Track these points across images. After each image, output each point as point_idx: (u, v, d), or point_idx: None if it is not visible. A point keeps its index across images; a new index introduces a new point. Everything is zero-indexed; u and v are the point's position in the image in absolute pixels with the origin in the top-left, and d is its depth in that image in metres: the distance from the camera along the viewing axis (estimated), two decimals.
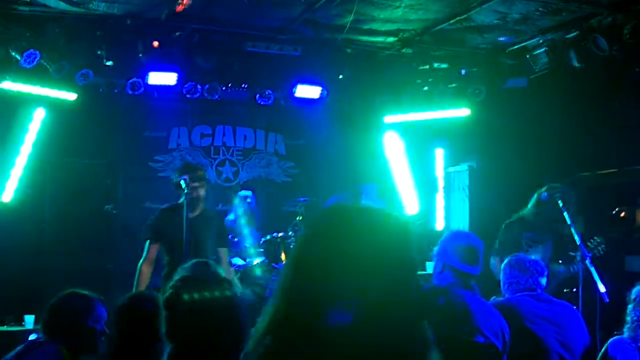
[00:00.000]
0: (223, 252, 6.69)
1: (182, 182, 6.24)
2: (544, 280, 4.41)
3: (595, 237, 6.33)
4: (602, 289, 5.43)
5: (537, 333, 4.12)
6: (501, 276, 4.53)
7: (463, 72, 9.27)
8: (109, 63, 8.30)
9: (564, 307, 4.39)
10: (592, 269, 5.57)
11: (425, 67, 9.29)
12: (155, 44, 8.04)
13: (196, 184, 6.33)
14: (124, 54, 8.22)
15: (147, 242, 6.42)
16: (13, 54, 7.73)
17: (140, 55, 8.21)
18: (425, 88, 9.56)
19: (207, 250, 6.29)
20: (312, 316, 1.55)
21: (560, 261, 6.35)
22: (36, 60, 7.76)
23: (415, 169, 10.43)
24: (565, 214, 5.94)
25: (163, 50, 8.27)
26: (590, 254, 5.79)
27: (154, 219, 6.58)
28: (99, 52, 8.13)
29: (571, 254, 6.11)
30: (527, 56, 8.52)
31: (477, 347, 3.60)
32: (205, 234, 6.40)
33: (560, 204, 6.00)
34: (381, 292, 1.55)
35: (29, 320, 7.54)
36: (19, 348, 3.71)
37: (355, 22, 7.61)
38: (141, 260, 6.42)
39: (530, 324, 4.14)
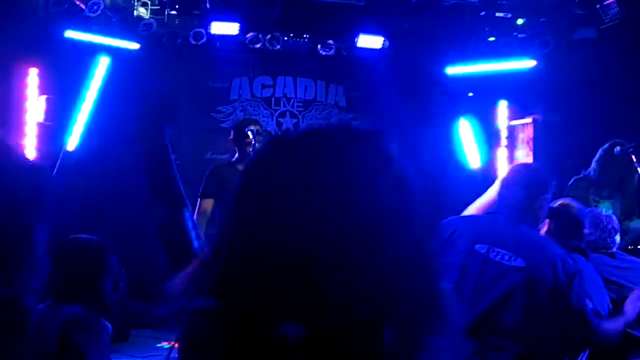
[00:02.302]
0: None
1: (249, 132, 6.04)
2: (618, 238, 4.30)
3: None
4: None
5: (612, 295, 4.03)
6: None
7: (521, 21, 9.03)
8: (172, 12, 8.30)
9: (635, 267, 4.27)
10: None
11: (490, 17, 9.06)
12: None
13: (260, 138, 6.20)
14: (187, 3, 8.20)
15: (200, 198, 6.17)
16: (77, 3, 7.79)
17: (204, 5, 8.19)
18: (491, 39, 9.35)
19: None
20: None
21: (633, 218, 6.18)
22: (100, 9, 7.82)
23: (478, 121, 10.24)
24: (638, 168, 5.77)
25: (226, 0, 8.24)
26: None
27: (208, 173, 6.41)
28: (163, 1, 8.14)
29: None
30: (597, 6, 8.24)
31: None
32: None
33: (634, 158, 5.83)
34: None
35: None
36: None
37: None
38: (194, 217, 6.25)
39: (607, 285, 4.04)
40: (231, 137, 6.25)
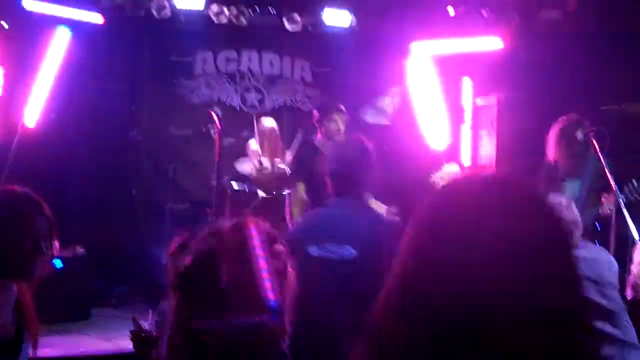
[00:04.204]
0: None
1: (213, 112, 5.94)
2: (578, 234, 4.28)
3: (633, 181, 6.17)
4: (636, 236, 5.32)
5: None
6: None
7: None
8: None
9: (599, 256, 4.28)
10: (627, 214, 5.45)
11: None
12: None
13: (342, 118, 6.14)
14: None
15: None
16: None
17: None
18: (452, 13, 9.30)
19: None
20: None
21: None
22: None
23: (441, 100, 10.21)
24: (599, 154, 5.80)
25: None
26: (625, 199, 5.65)
27: (298, 156, 6.35)
28: None
29: (603, 194, 5.98)
30: None
31: None
32: None
33: (595, 144, 5.85)
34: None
35: (55, 246, 7.58)
36: None
37: None
38: None
39: None
40: (316, 118, 6.18)
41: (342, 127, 6.07)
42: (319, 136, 6.15)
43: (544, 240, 1.18)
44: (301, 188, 6.44)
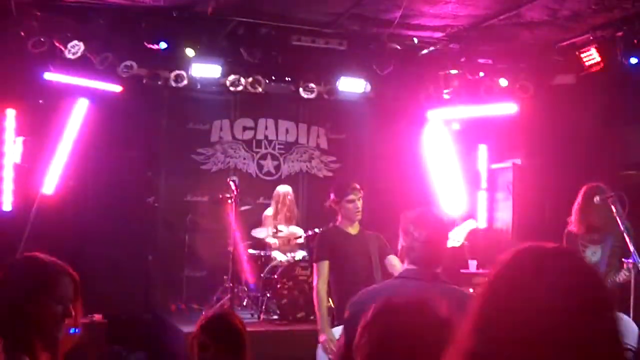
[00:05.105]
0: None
1: (231, 182, 5.99)
2: None
3: None
4: None
5: None
6: None
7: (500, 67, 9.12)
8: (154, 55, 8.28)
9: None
10: None
11: (471, 63, 9.11)
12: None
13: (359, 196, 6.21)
14: (168, 45, 8.17)
15: (315, 262, 6.11)
16: (57, 44, 7.74)
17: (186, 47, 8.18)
18: (471, 83, 9.38)
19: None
20: None
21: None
22: (80, 51, 7.77)
23: (459, 165, 10.24)
24: (618, 218, 5.76)
25: (208, 42, 8.23)
26: None
27: (319, 237, 6.29)
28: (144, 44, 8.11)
29: (623, 260, 5.91)
30: (577, 53, 8.32)
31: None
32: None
33: (614, 209, 5.82)
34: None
35: None
36: None
37: (404, 17, 7.51)
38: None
39: None
40: (332, 198, 6.23)
41: (359, 205, 6.12)
42: (339, 218, 6.18)
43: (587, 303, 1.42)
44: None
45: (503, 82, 9.18)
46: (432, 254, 3.47)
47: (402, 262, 3.62)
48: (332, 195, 6.16)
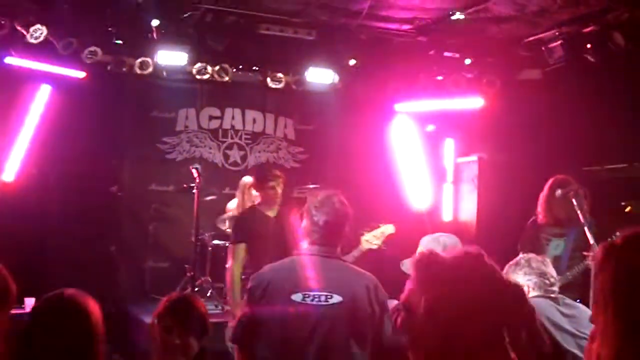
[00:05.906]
0: None
1: (194, 170, 6.13)
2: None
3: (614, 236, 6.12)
4: None
5: (559, 341, 3.97)
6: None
7: (468, 61, 9.13)
8: (118, 41, 8.16)
9: (576, 312, 4.21)
10: None
11: (438, 56, 9.12)
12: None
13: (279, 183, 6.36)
14: (133, 32, 8.06)
15: (233, 244, 6.33)
16: (19, 28, 7.59)
17: (150, 34, 8.06)
18: (439, 77, 9.41)
19: None
20: None
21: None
22: (43, 35, 7.63)
23: (424, 159, 10.26)
24: (579, 212, 5.79)
25: (174, 30, 8.13)
26: None
27: (237, 220, 6.58)
28: (109, 30, 7.99)
29: (584, 253, 5.96)
30: (543, 48, 8.37)
31: None
32: None
33: (574, 202, 5.85)
34: None
35: (29, 303, 7.42)
36: None
37: (372, 8, 7.48)
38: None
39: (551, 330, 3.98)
40: (253, 182, 6.40)
41: (279, 191, 6.31)
42: (259, 201, 6.35)
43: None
44: None
45: (469, 76, 9.21)
46: (330, 237, 3.67)
47: (302, 240, 3.80)
48: (252, 180, 6.36)
